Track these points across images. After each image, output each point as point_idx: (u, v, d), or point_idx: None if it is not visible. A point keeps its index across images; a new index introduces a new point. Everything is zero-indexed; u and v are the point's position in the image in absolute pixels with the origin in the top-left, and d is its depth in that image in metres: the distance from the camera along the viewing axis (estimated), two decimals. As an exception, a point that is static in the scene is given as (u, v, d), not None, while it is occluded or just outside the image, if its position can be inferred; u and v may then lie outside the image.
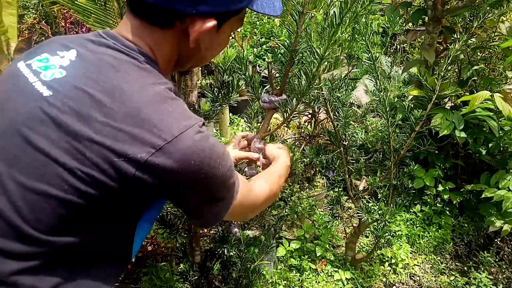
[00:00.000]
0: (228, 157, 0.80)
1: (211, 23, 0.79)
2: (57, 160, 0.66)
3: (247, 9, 0.87)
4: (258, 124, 1.81)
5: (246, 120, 1.58)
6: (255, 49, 4.11)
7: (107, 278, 0.79)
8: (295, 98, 1.25)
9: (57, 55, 0.77)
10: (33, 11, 6.15)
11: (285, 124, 1.33)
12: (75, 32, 4.15)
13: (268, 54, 3.89)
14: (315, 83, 1.20)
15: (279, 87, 1.34)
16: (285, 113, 1.30)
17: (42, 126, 0.68)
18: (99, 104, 0.68)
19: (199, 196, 0.78)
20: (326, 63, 1.17)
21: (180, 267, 2.29)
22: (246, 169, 1.40)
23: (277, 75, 1.38)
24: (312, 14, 1.24)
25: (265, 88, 1.38)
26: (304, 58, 1.27)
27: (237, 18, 0.86)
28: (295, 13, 1.19)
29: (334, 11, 1.10)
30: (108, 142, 0.66)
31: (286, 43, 1.28)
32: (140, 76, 0.74)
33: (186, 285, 2.10)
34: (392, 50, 5.53)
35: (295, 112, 1.29)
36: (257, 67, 4.18)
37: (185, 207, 0.84)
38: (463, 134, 2.57)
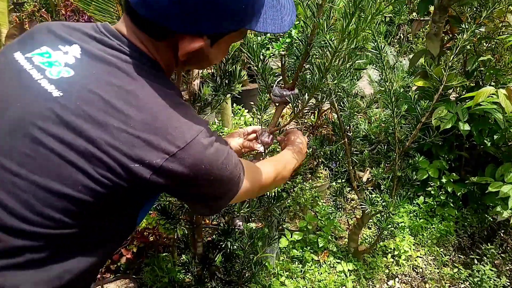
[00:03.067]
0: (233, 154, 0.83)
1: (199, 43, 0.78)
2: (72, 163, 0.67)
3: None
4: (267, 116, 1.78)
5: (255, 111, 1.54)
6: (258, 38, 4.06)
7: (104, 256, 0.83)
8: (306, 93, 1.22)
9: (59, 50, 0.75)
10: (34, -1, 6.10)
11: (295, 120, 1.30)
12: (75, 20, 4.11)
13: (273, 43, 3.85)
14: (327, 77, 1.16)
15: (291, 81, 1.30)
16: (296, 108, 1.26)
17: (55, 127, 0.68)
18: (115, 110, 0.69)
19: (208, 194, 0.82)
20: (340, 56, 1.13)
21: (182, 258, 2.29)
22: None
23: (290, 68, 1.34)
24: (330, 7, 1.19)
25: (277, 81, 1.34)
26: (317, 52, 1.23)
27: (235, 34, 0.83)
28: (313, 6, 1.15)
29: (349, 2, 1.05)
30: (125, 148, 0.68)
31: (301, 36, 1.24)
32: (151, 81, 0.75)
33: (188, 276, 2.09)
34: (396, 40, 5.47)
35: (307, 108, 1.26)
36: (261, 56, 4.13)
37: (193, 204, 0.87)
38: (466, 126, 2.53)
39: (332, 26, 1.21)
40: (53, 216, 0.67)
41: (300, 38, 1.28)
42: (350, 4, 1.05)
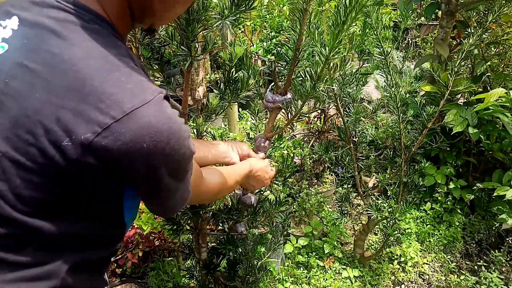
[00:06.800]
0: (191, 144, 0.69)
1: None
2: (1, 153, 0.59)
3: None
4: (263, 122, 1.78)
5: (249, 115, 1.55)
6: (264, 43, 4.07)
7: (99, 261, 0.76)
8: (299, 100, 1.22)
9: (0, 26, 0.65)
10: None
11: (289, 126, 1.29)
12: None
13: (278, 48, 3.86)
14: (320, 84, 1.16)
15: (283, 86, 1.30)
16: (289, 114, 1.26)
17: None
18: (39, 78, 0.59)
19: (150, 185, 0.68)
20: (331, 63, 1.13)
21: (187, 263, 2.29)
22: None
23: (282, 73, 1.34)
24: (318, 11, 1.19)
25: (270, 86, 1.35)
26: (309, 57, 1.23)
27: None
28: (298, 11, 1.14)
29: (338, 9, 1.04)
30: (49, 122, 0.57)
31: (290, 42, 1.24)
32: (87, 39, 0.62)
33: (192, 281, 2.09)
34: (404, 45, 5.45)
35: (301, 115, 1.26)
36: (267, 62, 4.14)
37: (139, 194, 0.73)
38: (476, 131, 2.51)
39: (321, 31, 1.21)
40: (6, 215, 0.60)
41: (288, 44, 1.27)
42: (341, 12, 1.04)
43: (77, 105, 0.57)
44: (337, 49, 1.06)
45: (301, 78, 1.24)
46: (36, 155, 0.58)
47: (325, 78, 1.13)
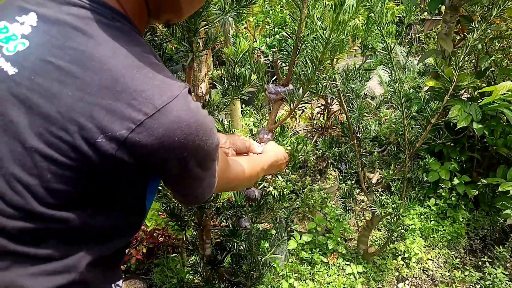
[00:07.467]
0: (216, 133, 0.72)
1: None
2: (33, 148, 0.60)
3: None
4: (266, 118, 1.78)
5: (253, 111, 1.55)
6: (267, 39, 4.06)
7: (115, 254, 0.76)
8: (301, 88, 1.22)
9: (16, 22, 0.65)
10: None
11: (292, 115, 1.30)
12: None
13: (280, 39, 3.86)
14: (321, 70, 1.16)
15: (285, 77, 1.30)
16: (291, 103, 1.26)
17: (14, 110, 0.61)
18: (69, 76, 0.60)
19: (180, 176, 0.71)
20: (331, 47, 1.12)
21: (191, 259, 2.29)
22: None
23: (283, 64, 1.34)
24: None
25: (273, 79, 1.35)
26: (309, 45, 1.22)
27: None
28: None
29: None
30: (83, 120, 0.58)
31: (291, 31, 1.24)
32: (111, 37, 0.64)
33: (196, 277, 2.10)
34: (407, 40, 5.43)
35: (302, 102, 1.26)
36: (269, 56, 4.13)
37: (168, 185, 0.76)
38: (480, 127, 2.50)
39: (320, 17, 1.20)
40: (32, 210, 0.61)
41: (289, 33, 1.26)
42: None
43: (110, 103, 0.59)
44: (336, 32, 1.06)
45: (302, 66, 1.24)
46: (69, 151, 0.59)
47: (326, 62, 1.13)
